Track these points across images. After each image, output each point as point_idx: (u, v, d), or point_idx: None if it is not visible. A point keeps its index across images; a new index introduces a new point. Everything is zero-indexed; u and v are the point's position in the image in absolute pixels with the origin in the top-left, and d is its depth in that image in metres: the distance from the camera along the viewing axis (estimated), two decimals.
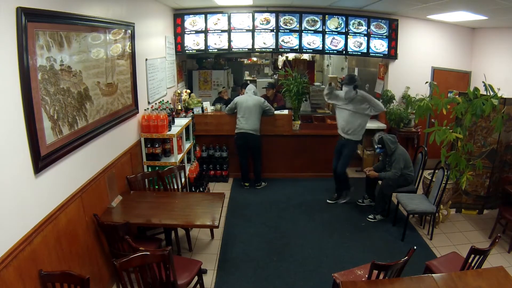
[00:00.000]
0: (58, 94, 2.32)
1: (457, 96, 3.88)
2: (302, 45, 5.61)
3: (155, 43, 4.60)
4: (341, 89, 4.54)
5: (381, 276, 2.31)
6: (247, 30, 5.57)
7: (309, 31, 5.56)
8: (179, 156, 4.11)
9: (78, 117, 2.59)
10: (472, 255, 2.42)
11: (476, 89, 3.56)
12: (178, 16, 5.51)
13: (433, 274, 2.33)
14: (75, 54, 2.51)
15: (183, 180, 4.16)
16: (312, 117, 6.11)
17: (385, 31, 5.57)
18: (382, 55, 5.67)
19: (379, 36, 5.59)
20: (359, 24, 5.53)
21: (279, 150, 5.57)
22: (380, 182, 4.48)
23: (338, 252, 3.72)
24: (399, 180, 4.27)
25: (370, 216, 4.39)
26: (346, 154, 4.65)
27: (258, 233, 4.06)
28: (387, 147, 4.30)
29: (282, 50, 5.74)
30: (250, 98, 5.11)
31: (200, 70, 7.19)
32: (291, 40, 5.59)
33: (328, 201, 4.84)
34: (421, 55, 5.69)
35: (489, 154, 4.32)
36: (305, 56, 9.55)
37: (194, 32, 5.58)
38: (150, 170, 3.89)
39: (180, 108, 5.08)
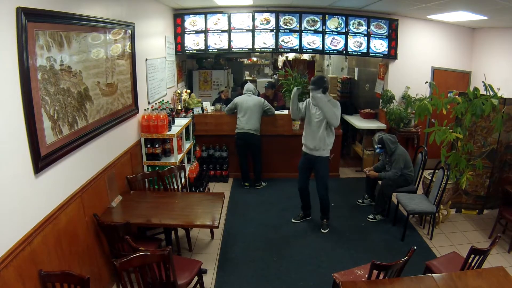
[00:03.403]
0: (58, 94, 2.32)
1: (457, 96, 3.89)
2: (302, 45, 5.61)
3: (155, 43, 4.60)
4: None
5: (381, 276, 2.31)
6: (247, 30, 5.57)
7: (309, 31, 5.56)
8: (179, 156, 4.11)
9: (78, 117, 2.59)
10: (472, 255, 2.42)
11: (476, 89, 3.56)
12: (178, 16, 5.51)
13: (433, 274, 2.33)
14: (75, 54, 2.51)
15: (183, 180, 4.16)
16: None
17: (385, 31, 5.56)
18: (382, 55, 5.67)
19: (379, 36, 5.58)
20: (359, 24, 5.53)
21: (279, 150, 5.57)
22: (380, 182, 4.48)
23: (338, 252, 3.72)
24: (399, 180, 4.27)
25: (370, 216, 4.39)
26: (323, 173, 4.01)
27: (258, 233, 4.06)
28: (387, 147, 4.31)
29: (282, 50, 5.74)
30: (250, 98, 5.12)
31: (200, 70, 7.19)
32: (291, 40, 5.59)
33: (292, 220, 4.33)
34: (421, 55, 5.69)
35: (489, 154, 4.32)
36: (305, 56, 9.58)
37: (194, 32, 5.58)
38: (150, 170, 3.89)
39: (180, 108, 5.08)
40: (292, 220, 4.35)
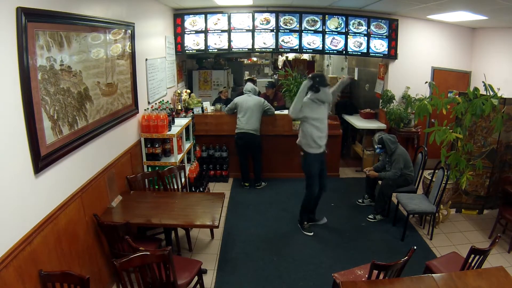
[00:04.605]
0: (58, 94, 2.32)
1: (457, 96, 3.89)
2: (302, 45, 5.61)
3: (155, 43, 4.60)
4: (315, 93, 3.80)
5: (381, 276, 2.31)
6: (247, 30, 5.56)
7: (309, 31, 5.56)
8: (179, 156, 4.11)
9: (78, 117, 2.59)
10: (472, 255, 2.42)
11: (476, 89, 3.56)
12: (178, 16, 5.51)
13: (433, 274, 2.33)
14: (75, 54, 2.51)
15: (183, 180, 4.16)
16: None
17: (385, 31, 5.56)
18: (382, 55, 5.67)
19: (379, 36, 5.58)
20: (359, 24, 5.53)
21: (279, 150, 5.57)
22: (380, 182, 4.48)
23: (338, 252, 3.72)
24: (399, 180, 4.27)
25: (370, 216, 4.39)
26: (325, 167, 4.09)
27: (258, 233, 4.06)
28: (387, 147, 4.31)
29: (282, 50, 5.74)
30: (250, 98, 5.12)
31: (200, 70, 7.19)
32: (291, 40, 5.59)
33: (309, 234, 4.04)
34: (421, 55, 5.69)
35: (489, 154, 4.32)
36: (305, 56, 9.57)
37: (194, 32, 5.58)
38: (150, 170, 3.89)
39: (180, 108, 5.08)
40: (309, 234, 4.04)
